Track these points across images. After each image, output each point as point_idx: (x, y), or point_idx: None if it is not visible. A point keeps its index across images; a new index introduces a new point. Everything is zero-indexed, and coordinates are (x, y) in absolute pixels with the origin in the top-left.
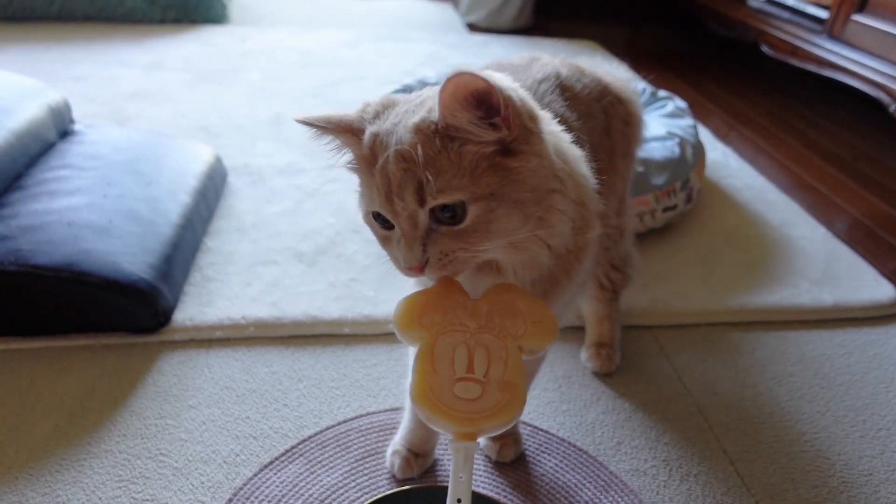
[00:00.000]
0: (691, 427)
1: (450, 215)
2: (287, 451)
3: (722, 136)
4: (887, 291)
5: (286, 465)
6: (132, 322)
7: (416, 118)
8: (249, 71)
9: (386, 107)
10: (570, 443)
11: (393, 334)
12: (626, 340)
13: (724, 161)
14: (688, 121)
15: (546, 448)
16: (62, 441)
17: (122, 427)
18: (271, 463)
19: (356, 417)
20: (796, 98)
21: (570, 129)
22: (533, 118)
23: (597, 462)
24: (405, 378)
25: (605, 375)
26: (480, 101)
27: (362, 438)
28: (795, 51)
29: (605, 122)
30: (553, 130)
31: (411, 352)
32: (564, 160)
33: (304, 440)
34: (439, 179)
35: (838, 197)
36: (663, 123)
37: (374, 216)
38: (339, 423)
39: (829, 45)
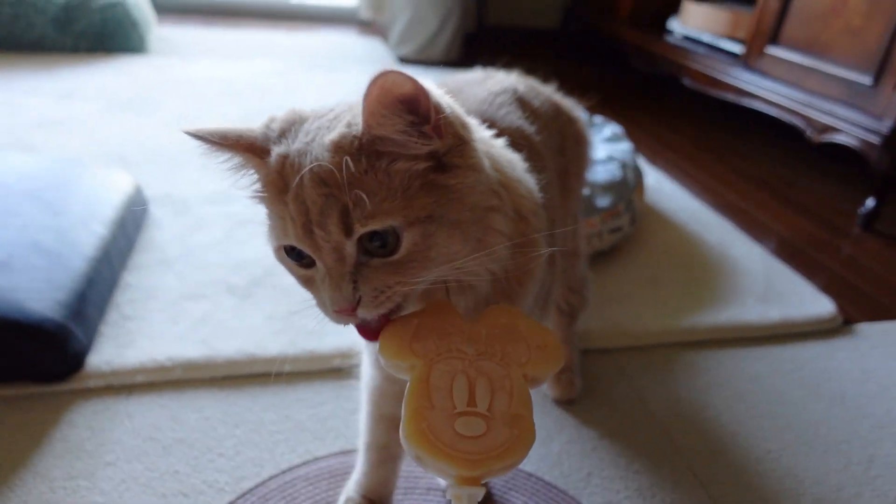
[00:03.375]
0: (659, 452)
1: (380, 244)
2: None
3: (652, 161)
4: (827, 306)
5: None
6: (37, 369)
7: (333, 134)
8: (170, 100)
9: (292, 123)
10: (537, 477)
11: (340, 370)
12: (585, 364)
13: (657, 185)
14: (625, 144)
15: (513, 485)
16: None
17: (23, 492)
18: None
19: (302, 464)
20: (718, 126)
21: (529, 142)
22: (465, 126)
23: (568, 497)
24: (356, 416)
25: (567, 403)
26: (409, 106)
27: (310, 487)
28: (714, 83)
29: (560, 142)
30: (483, 137)
31: (364, 385)
32: (500, 170)
33: (243, 494)
34: (368, 203)
35: (765, 217)
36: (603, 147)
37: (286, 251)
38: (283, 472)
39: (746, 76)
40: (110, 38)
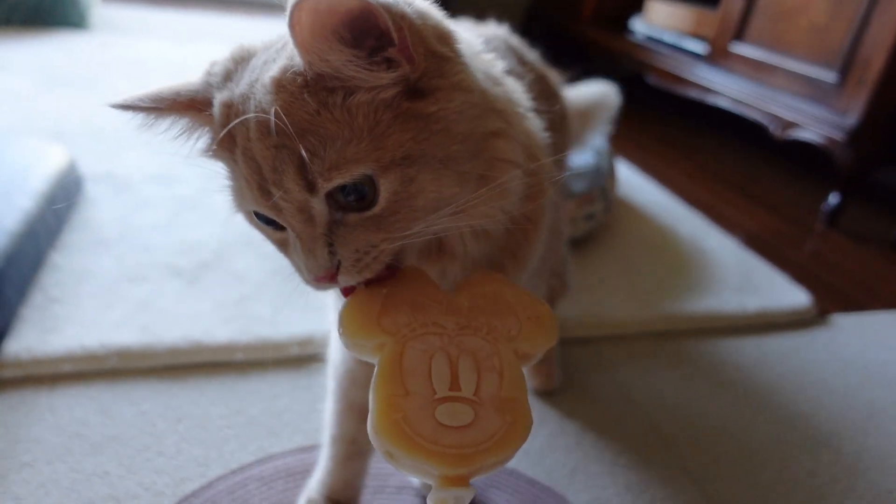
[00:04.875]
0: (647, 445)
1: (356, 198)
2: None
3: (620, 155)
4: (802, 297)
5: None
6: None
7: (273, 70)
8: (113, 78)
9: (239, 61)
10: (519, 473)
11: (300, 359)
12: (565, 355)
13: (627, 179)
14: None
15: (494, 482)
16: None
17: None
18: None
19: (255, 463)
20: (683, 124)
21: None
22: (444, 37)
23: (553, 494)
24: (315, 409)
25: (547, 394)
26: (360, 28)
27: (264, 489)
28: (679, 80)
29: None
30: (478, 51)
31: (331, 370)
32: (502, 89)
33: (186, 497)
34: (328, 151)
35: (731, 212)
36: None
37: (256, 214)
38: (232, 472)
39: (710, 73)
40: (47, 12)
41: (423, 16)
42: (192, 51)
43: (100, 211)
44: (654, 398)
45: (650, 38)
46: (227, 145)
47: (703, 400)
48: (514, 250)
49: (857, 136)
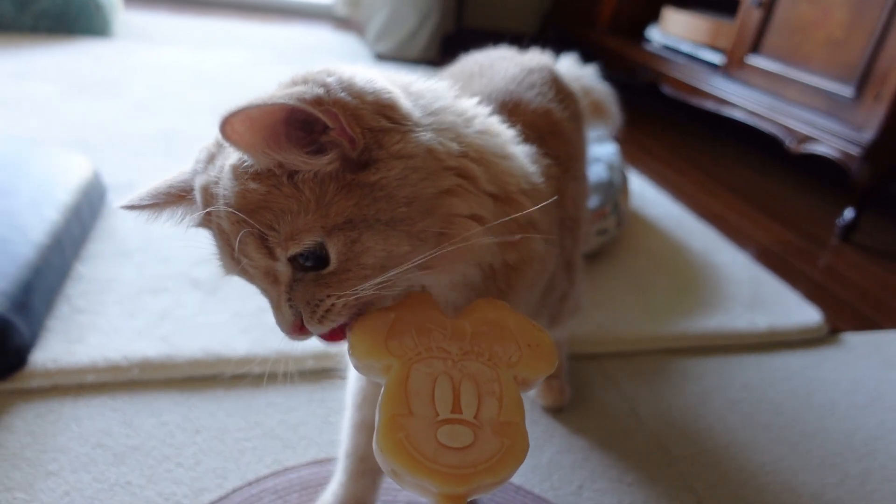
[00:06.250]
0: (652, 463)
1: (313, 261)
2: None
3: (633, 167)
4: (813, 315)
5: None
6: None
7: (232, 158)
8: (136, 85)
9: (220, 144)
10: (526, 490)
11: (315, 372)
12: (572, 371)
13: (640, 191)
14: (610, 146)
15: (500, 499)
16: None
17: None
18: None
19: (271, 475)
20: (696, 135)
21: (555, 127)
22: (384, 108)
23: None
24: (330, 422)
25: (556, 410)
26: (299, 120)
27: (280, 501)
28: (694, 91)
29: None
30: (445, 104)
31: (350, 388)
32: (467, 141)
33: None
34: (282, 224)
35: (746, 226)
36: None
37: None
38: (248, 484)
39: (726, 85)
40: (72, 19)
41: (360, 94)
42: (213, 58)
43: (122, 220)
44: (660, 416)
45: (666, 48)
46: (207, 221)
47: (709, 418)
48: (500, 286)
49: (873, 151)
